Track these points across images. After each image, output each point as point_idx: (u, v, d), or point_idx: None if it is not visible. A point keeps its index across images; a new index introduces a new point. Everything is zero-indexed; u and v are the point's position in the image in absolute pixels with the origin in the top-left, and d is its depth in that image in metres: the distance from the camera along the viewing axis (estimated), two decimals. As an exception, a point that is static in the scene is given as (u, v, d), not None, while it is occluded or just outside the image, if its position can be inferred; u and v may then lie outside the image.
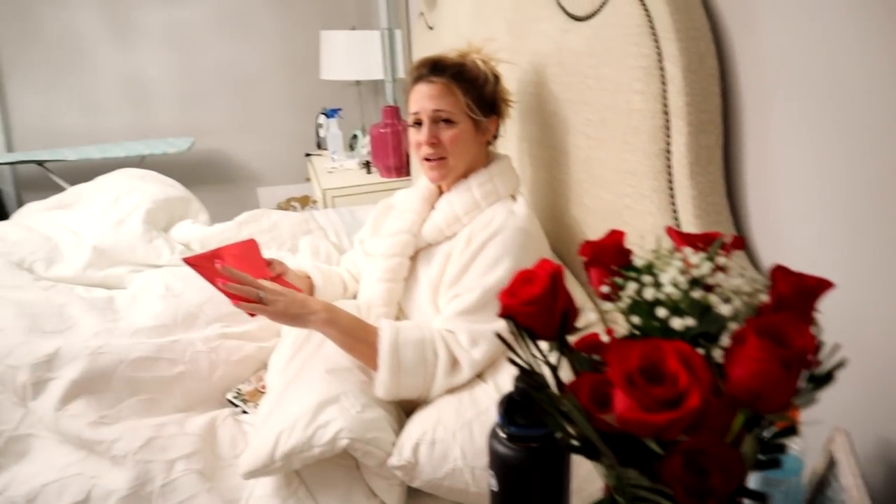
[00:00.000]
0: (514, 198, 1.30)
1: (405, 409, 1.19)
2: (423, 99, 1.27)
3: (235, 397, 1.29)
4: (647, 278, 0.57)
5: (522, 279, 0.65)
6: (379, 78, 3.29)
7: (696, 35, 1.00)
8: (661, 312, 0.52)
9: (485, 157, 1.33)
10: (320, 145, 3.54)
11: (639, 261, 0.60)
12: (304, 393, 1.11)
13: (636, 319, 0.56)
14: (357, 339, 1.14)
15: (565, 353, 0.64)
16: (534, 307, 0.61)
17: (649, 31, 1.04)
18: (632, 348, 0.49)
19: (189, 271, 1.58)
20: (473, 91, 1.26)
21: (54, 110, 3.47)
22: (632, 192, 1.14)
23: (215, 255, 1.16)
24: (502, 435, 0.76)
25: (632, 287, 0.57)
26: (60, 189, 3.31)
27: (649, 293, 0.53)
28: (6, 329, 1.34)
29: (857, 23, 0.78)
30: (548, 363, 0.64)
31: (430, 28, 2.24)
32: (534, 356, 0.64)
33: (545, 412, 0.60)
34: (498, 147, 1.38)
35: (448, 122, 1.25)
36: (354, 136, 3.37)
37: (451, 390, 1.13)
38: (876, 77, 0.77)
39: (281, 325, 1.47)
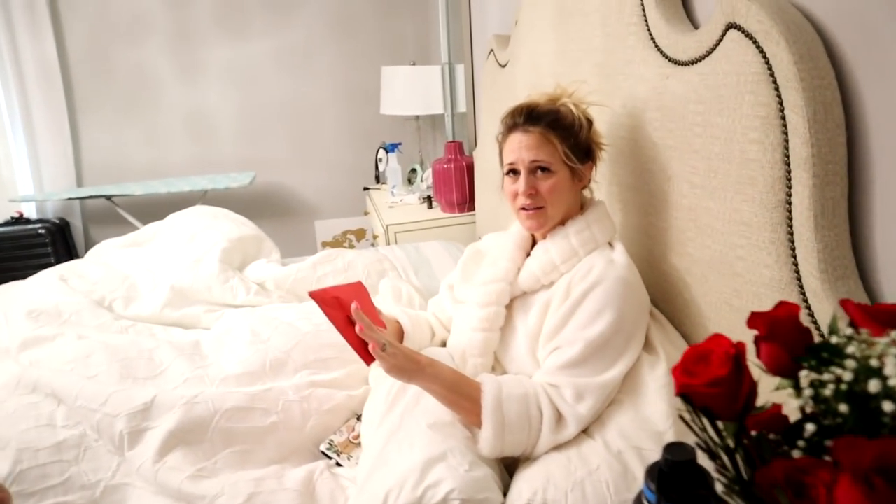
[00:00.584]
0: (611, 245, 1.26)
1: (506, 466, 1.16)
2: (519, 149, 1.24)
3: (328, 448, 1.26)
4: (849, 363, 0.53)
5: (696, 356, 0.61)
6: (438, 112, 3.30)
7: (822, 84, 0.96)
8: (889, 407, 0.48)
9: (580, 203, 1.31)
10: (379, 179, 3.56)
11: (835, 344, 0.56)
12: (407, 449, 1.08)
13: (844, 408, 0.52)
14: (460, 394, 1.11)
15: (746, 436, 0.60)
16: (718, 388, 0.58)
17: (769, 79, 1.01)
18: (864, 447, 0.46)
19: (278, 313, 1.60)
20: (570, 138, 1.24)
21: (122, 146, 3.57)
22: (745, 244, 1.09)
23: (335, 293, 1.15)
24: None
25: (834, 373, 0.53)
26: (127, 223, 3.41)
27: (874, 385, 0.49)
28: (100, 375, 1.35)
29: None
30: (726, 447, 0.60)
31: (502, 66, 2.24)
32: (712, 439, 0.60)
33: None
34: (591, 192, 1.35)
35: (546, 171, 1.23)
36: (413, 171, 3.38)
37: (557, 447, 1.10)
38: None
39: (368, 372, 1.46)
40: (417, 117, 3.49)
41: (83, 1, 3.37)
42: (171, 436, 1.19)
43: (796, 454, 0.58)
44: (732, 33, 1.08)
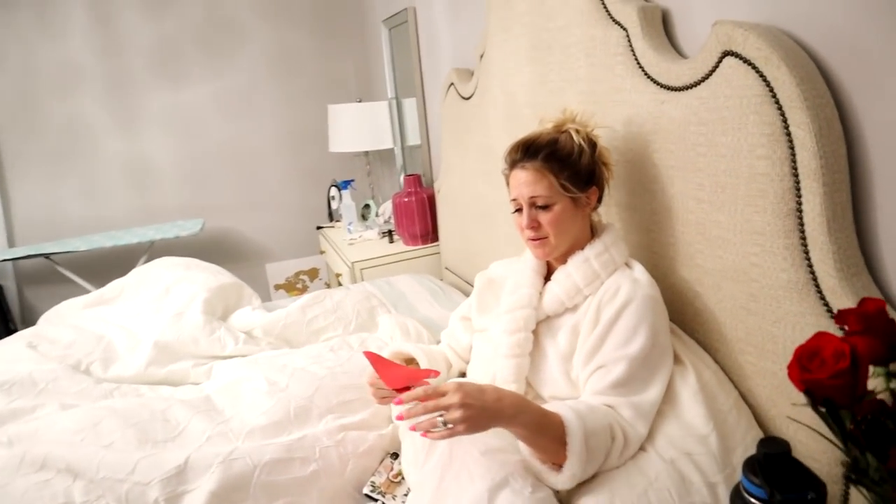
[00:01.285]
0: (627, 265, 1.32)
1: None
2: (519, 186, 1.29)
3: (372, 491, 1.25)
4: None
5: (808, 354, 0.67)
6: (388, 147, 3.34)
7: (822, 102, 1.06)
8: None
9: (590, 227, 1.36)
10: (332, 217, 3.54)
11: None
12: (466, 480, 1.08)
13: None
14: (543, 435, 1.07)
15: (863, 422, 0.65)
16: (841, 380, 0.63)
17: (771, 100, 1.10)
18: None
19: (287, 360, 1.57)
20: (568, 168, 1.27)
21: (57, 201, 3.41)
22: (759, 251, 1.18)
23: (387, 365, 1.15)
24: (751, 500, 0.77)
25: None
26: (68, 282, 3.23)
27: None
28: (116, 443, 1.28)
29: None
30: (849, 434, 0.65)
31: (466, 98, 2.30)
32: (839, 427, 0.65)
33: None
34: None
35: (544, 207, 1.27)
36: (367, 206, 3.39)
37: (612, 463, 1.13)
38: None
39: (390, 409, 1.45)
40: (367, 153, 3.51)
41: (7, 53, 3.22)
42: (214, 496, 1.15)
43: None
44: (730, 60, 1.17)
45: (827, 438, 0.69)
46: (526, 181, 1.28)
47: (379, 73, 3.61)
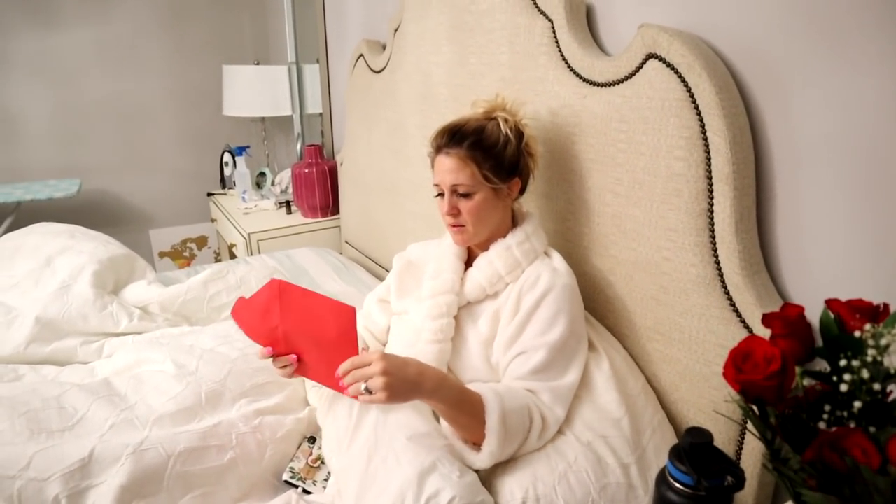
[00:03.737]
0: (547, 254, 1.36)
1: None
2: (442, 172, 1.29)
3: (292, 477, 1.23)
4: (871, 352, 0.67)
5: (741, 354, 0.73)
6: (286, 114, 3.21)
7: (736, 111, 1.14)
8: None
9: (511, 215, 1.39)
10: (225, 184, 3.37)
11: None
12: (394, 464, 1.09)
13: (877, 386, 0.66)
14: (462, 411, 1.12)
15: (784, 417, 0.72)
16: (774, 381, 0.69)
17: (691, 105, 1.17)
18: None
19: (194, 339, 1.49)
20: (492, 159, 1.28)
21: None
22: (671, 246, 1.26)
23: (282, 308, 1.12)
24: (677, 485, 0.83)
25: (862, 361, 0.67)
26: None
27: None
28: (4, 434, 1.17)
29: (874, 88, 0.96)
30: (773, 427, 0.72)
31: (376, 71, 2.25)
32: (765, 425, 0.72)
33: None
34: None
35: (465, 195, 1.28)
36: (261, 174, 3.25)
37: (532, 445, 1.18)
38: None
39: (306, 393, 1.43)
40: (263, 119, 3.36)
41: None
42: (124, 491, 1.08)
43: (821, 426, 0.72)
44: (654, 62, 1.23)
45: (750, 431, 0.75)
46: (449, 168, 1.28)
47: (279, 36, 3.44)
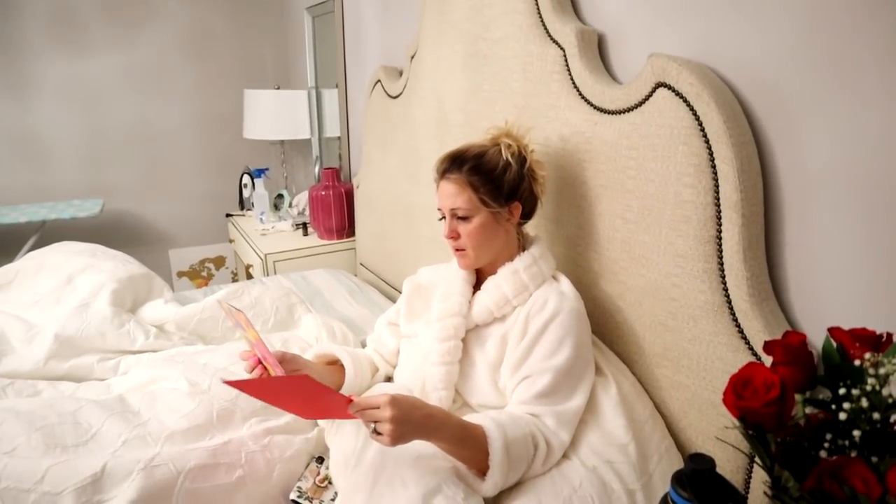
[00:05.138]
0: (554, 277, 1.37)
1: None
2: (443, 196, 1.33)
3: (300, 496, 1.24)
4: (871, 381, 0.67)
5: (741, 382, 0.73)
6: (305, 137, 3.27)
7: (744, 140, 1.15)
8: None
9: (517, 239, 1.40)
10: (243, 205, 3.43)
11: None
12: (400, 486, 1.10)
13: (877, 415, 0.66)
14: (464, 447, 1.12)
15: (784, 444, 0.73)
16: (772, 408, 0.69)
17: (699, 133, 1.19)
18: None
19: (206, 358, 1.51)
20: (490, 183, 1.30)
21: (-69, 172, 3.08)
22: (680, 273, 1.26)
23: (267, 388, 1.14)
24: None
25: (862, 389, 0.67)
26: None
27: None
28: (20, 448, 1.19)
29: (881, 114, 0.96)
30: (774, 455, 0.72)
31: (393, 97, 2.30)
32: (765, 449, 0.72)
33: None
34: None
35: (464, 218, 1.31)
36: (279, 196, 3.30)
37: (538, 470, 1.18)
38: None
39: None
40: (282, 142, 3.42)
41: None
42: (134, 506, 1.09)
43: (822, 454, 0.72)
44: (663, 91, 1.25)
45: (751, 458, 0.75)
46: (449, 193, 1.31)
47: (299, 61, 3.52)
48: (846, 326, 0.77)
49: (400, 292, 2.20)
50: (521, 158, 1.35)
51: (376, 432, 1.05)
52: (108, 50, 3.30)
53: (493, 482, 1.11)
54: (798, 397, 0.77)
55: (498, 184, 1.31)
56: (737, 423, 0.73)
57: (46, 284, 1.91)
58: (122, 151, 3.41)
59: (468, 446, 1.12)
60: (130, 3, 3.31)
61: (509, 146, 1.34)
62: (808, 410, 0.77)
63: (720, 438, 1.18)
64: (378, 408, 1.04)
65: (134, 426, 1.28)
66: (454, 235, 1.33)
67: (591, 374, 1.28)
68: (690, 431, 1.29)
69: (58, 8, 3.17)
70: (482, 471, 1.13)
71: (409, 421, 1.05)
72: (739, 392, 0.72)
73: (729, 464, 1.19)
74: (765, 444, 0.73)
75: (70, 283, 1.89)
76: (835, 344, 0.79)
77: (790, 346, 0.76)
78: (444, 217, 1.35)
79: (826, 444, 0.72)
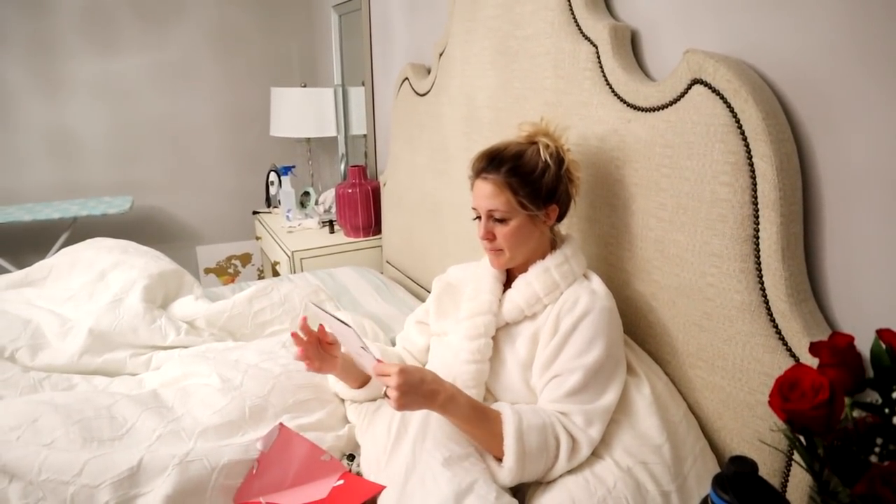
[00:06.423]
0: (586, 276, 1.36)
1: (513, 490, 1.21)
2: (479, 197, 1.31)
3: (331, 494, 1.24)
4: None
5: (787, 384, 0.72)
6: (331, 135, 3.28)
7: (783, 137, 1.13)
8: None
9: (550, 239, 1.39)
10: (270, 202, 3.45)
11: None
12: (432, 484, 1.10)
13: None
14: (479, 427, 1.15)
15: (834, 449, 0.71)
16: (821, 411, 0.68)
17: (737, 130, 1.17)
18: None
19: (238, 354, 1.53)
20: (528, 185, 1.28)
21: (-32, 169, 3.15)
22: (716, 272, 1.24)
23: None
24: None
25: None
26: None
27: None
28: (58, 441, 1.21)
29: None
30: (821, 461, 0.70)
31: (421, 94, 2.29)
32: (812, 456, 0.70)
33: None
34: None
35: (501, 220, 1.29)
36: (306, 194, 3.32)
37: (571, 469, 1.17)
38: None
39: (346, 411, 1.45)
40: (309, 140, 3.44)
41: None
42: (170, 500, 1.11)
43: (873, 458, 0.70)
44: (699, 88, 1.23)
45: (797, 462, 0.74)
46: (486, 194, 1.29)
47: (325, 59, 3.53)
48: (890, 328, 0.75)
49: (427, 290, 2.21)
50: (559, 159, 1.32)
51: (387, 396, 1.12)
52: (139, 48, 3.34)
53: (508, 468, 1.13)
54: (847, 400, 0.75)
55: (536, 186, 1.29)
56: (782, 425, 0.72)
57: (80, 280, 1.94)
58: (151, 149, 3.46)
59: (482, 427, 1.15)
60: (160, 2, 3.35)
61: (547, 146, 1.31)
62: (856, 414, 0.76)
63: (764, 441, 1.16)
64: (389, 375, 1.10)
65: (168, 421, 1.30)
66: (490, 237, 1.31)
67: (622, 372, 1.26)
68: (725, 433, 1.27)
69: (90, 7, 3.22)
70: (500, 456, 1.15)
71: (415, 392, 1.11)
72: (786, 394, 0.71)
73: (765, 467, 1.17)
74: (812, 448, 0.72)
75: (103, 278, 1.92)
76: (884, 346, 0.77)
77: (837, 348, 0.74)
78: (478, 217, 1.34)
79: (877, 449, 0.70)
